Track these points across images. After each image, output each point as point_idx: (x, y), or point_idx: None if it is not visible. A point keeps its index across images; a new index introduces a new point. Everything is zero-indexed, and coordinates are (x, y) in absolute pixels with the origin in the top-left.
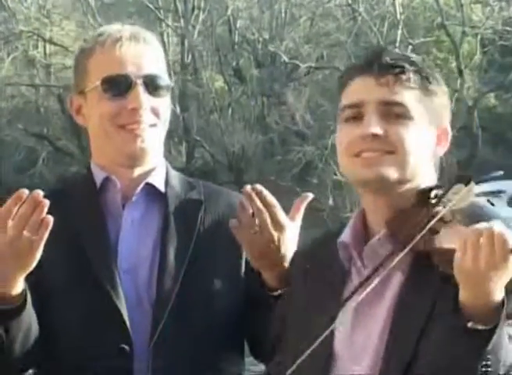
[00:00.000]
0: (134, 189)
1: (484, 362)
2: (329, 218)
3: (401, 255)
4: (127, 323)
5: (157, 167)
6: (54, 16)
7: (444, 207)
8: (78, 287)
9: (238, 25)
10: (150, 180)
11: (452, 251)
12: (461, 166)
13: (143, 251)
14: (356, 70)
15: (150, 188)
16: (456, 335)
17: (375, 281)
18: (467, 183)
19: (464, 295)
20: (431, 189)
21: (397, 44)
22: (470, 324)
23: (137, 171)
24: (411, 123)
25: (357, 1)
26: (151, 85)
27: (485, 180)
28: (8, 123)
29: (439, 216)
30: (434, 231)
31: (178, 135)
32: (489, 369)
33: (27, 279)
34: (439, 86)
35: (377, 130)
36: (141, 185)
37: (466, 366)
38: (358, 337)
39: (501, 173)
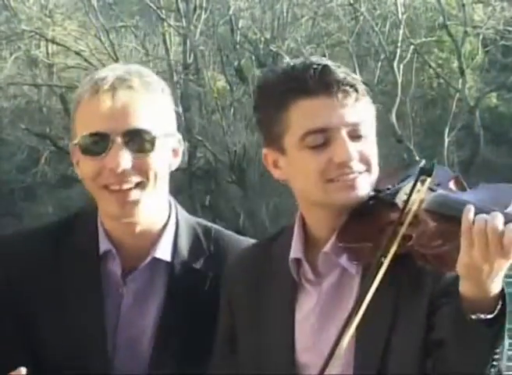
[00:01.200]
0: (138, 258)
1: (496, 350)
2: None
3: (384, 266)
4: None
5: (167, 226)
6: (56, 16)
7: (405, 207)
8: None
9: (240, 25)
10: (156, 254)
11: (444, 250)
12: (464, 166)
13: (143, 324)
14: (301, 90)
15: (155, 260)
16: (462, 330)
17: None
18: (428, 175)
19: (464, 288)
20: (378, 192)
21: (399, 44)
22: (474, 316)
23: (142, 235)
24: (372, 136)
25: (358, 1)
26: (134, 141)
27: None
28: (11, 122)
29: (408, 220)
30: (406, 236)
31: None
32: (497, 356)
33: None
34: (367, 89)
35: (354, 155)
36: (147, 260)
37: (475, 356)
38: (324, 341)
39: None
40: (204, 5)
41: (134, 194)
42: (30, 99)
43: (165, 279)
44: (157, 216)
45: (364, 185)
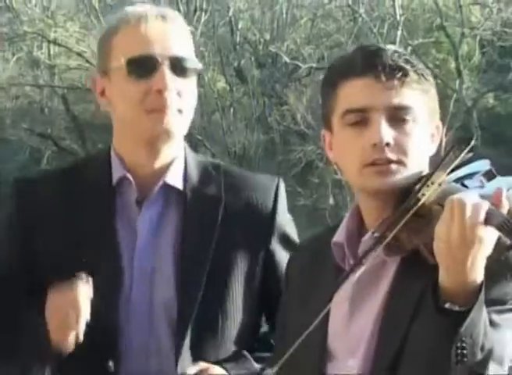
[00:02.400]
0: (151, 185)
1: (459, 344)
2: (330, 216)
3: (382, 245)
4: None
5: (176, 159)
6: (58, 18)
7: (422, 196)
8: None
9: (239, 26)
10: (168, 179)
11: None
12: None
13: (162, 253)
14: (350, 70)
15: (167, 186)
16: (431, 316)
17: (359, 271)
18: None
19: (442, 276)
20: (415, 183)
21: (397, 45)
22: (447, 305)
23: (158, 159)
24: (416, 126)
25: (357, 3)
26: (178, 67)
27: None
28: (13, 122)
29: (415, 208)
30: (415, 228)
31: None
32: (465, 351)
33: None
34: (430, 81)
35: (389, 138)
36: (159, 185)
37: (441, 346)
38: (354, 328)
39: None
40: (204, 6)
41: (175, 120)
42: (32, 100)
43: (178, 206)
44: (176, 147)
45: (397, 174)
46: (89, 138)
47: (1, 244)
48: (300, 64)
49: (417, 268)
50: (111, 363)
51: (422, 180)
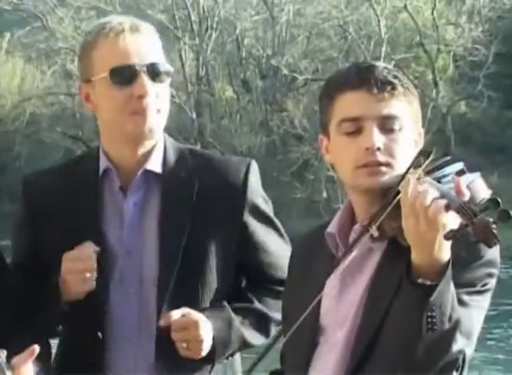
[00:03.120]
0: (134, 173)
1: (429, 313)
2: (324, 209)
3: (368, 233)
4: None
5: (156, 145)
6: None
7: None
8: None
9: (245, 43)
10: (148, 166)
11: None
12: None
13: (146, 233)
14: (346, 84)
15: (148, 172)
16: (406, 290)
17: (350, 257)
18: (425, 159)
19: (414, 256)
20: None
21: (382, 60)
22: (420, 280)
23: (140, 151)
24: (402, 133)
25: (347, 23)
26: (154, 73)
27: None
28: (49, 126)
29: (396, 199)
30: (394, 216)
31: (193, 137)
32: (434, 320)
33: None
34: (414, 94)
35: (380, 144)
36: (139, 172)
37: (412, 316)
38: (344, 303)
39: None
40: (215, 25)
41: (155, 119)
42: (65, 107)
43: (159, 190)
44: (156, 138)
45: (386, 174)
46: None
47: (14, 234)
48: (298, 76)
49: (400, 252)
50: (99, 334)
51: (403, 176)
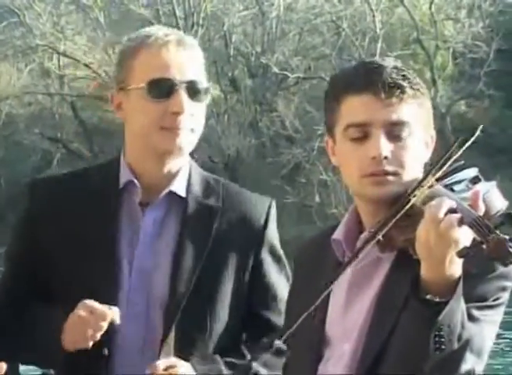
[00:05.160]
0: (157, 192)
1: (437, 332)
2: (317, 214)
3: (374, 240)
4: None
5: (182, 168)
6: (67, 32)
7: (413, 197)
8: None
9: (233, 39)
10: (173, 187)
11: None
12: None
13: (161, 253)
14: (353, 86)
15: (171, 194)
16: (414, 306)
17: (355, 264)
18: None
19: (423, 270)
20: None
21: (377, 57)
22: (428, 296)
23: (166, 169)
24: (412, 139)
25: (340, 18)
26: (192, 90)
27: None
28: (26, 127)
29: (406, 207)
30: (404, 227)
31: None
32: (442, 339)
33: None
34: (425, 94)
35: (387, 152)
36: (165, 191)
37: (419, 334)
38: (350, 315)
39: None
40: (201, 21)
41: (187, 138)
42: (44, 107)
43: (179, 213)
44: (183, 160)
45: (393, 184)
46: (95, 142)
47: (14, 241)
48: (289, 74)
49: (409, 264)
50: (105, 350)
51: (414, 183)
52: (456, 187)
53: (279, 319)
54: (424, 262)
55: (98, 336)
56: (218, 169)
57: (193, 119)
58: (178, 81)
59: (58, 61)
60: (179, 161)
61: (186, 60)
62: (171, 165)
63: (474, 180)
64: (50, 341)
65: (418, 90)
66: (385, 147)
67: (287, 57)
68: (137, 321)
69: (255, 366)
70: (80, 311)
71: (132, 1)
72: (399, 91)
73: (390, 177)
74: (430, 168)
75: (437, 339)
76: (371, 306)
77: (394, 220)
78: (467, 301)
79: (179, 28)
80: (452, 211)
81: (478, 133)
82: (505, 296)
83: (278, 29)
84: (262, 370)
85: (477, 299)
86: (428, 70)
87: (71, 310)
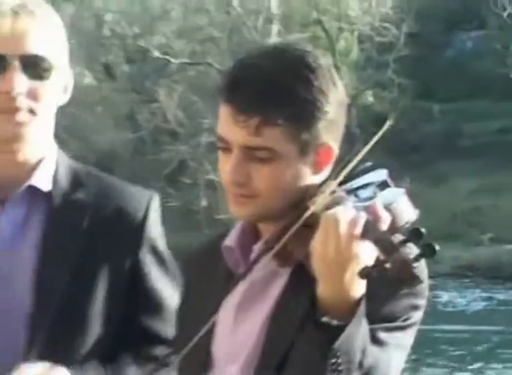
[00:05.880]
0: (14, 186)
1: (334, 360)
2: (204, 220)
3: (270, 254)
4: None
5: (44, 159)
6: None
7: (312, 204)
8: None
9: (107, 19)
10: (33, 181)
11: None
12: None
13: (24, 257)
14: (222, 92)
15: (33, 188)
16: (310, 329)
17: (249, 279)
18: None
19: (320, 289)
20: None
21: (273, 40)
22: (325, 319)
23: (17, 158)
24: (277, 163)
25: None
26: (30, 65)
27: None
28: None
29: (304, 216)
30: (302, 238)
31: None
32: (340, 367)
33: None
34: (320, 107)
35: (239, 178)
36: (24, 186)
37: (314, 361)
38: (240, 334)
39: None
40: None
41: (24, 116)
42: None
43: (44, 210)
44: (39, 148)
45: (253, 206)
46: None
47: None
48: (171, 59)
49: (308, 279)
50: None
51: (312, 190)
52: (361, 194)
53: (162, 328)
54: (322, 280)
55: None
56: None
57: (33, 100)
58: (10, 56)
59: None
60: (35, 151)
61: (24, 30)
62: (23, 154)
63: (382, 186)
64: None
65: (303, 108)
66: (239, 172)
67: (170, 39)
68: None
69: None
70: None
71: None
72: (260, 116)
73: (245, 199)
74: (332, 170)
75: (334, 367)
76: (263, 325)
77: (291, 231)
78: (372, 322)
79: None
80: (353, 222)
81: (386, 127)
82: (416, 316)
83: (159, 6)
84: None
85: (384, 320)
86: (330, 56)
87: None
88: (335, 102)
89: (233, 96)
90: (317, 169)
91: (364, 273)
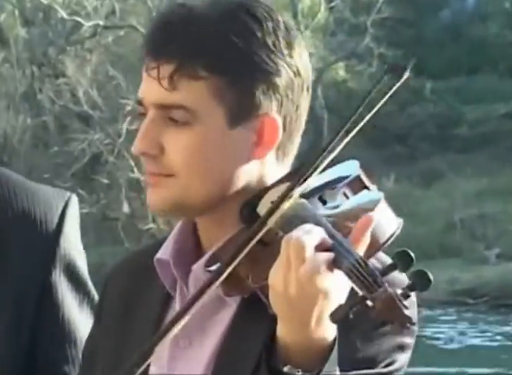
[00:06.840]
0: None
1: None
2: (124, 229)
3: (217, 282)
4: None
5: None
6: None
7: (268, 216)
8: None
9: None
10: None
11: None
12: (304, 158)
13: None
14: (144, 47)
15: None
16: None
17: (193, 309)
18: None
19: (281, 329)
20: (248, 203)
21: None
22: (286, 369)
23: None
24: (198, 129)
25: None
26: None
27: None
28: None
29: (259, 236)
30: (256, 261)
31: None
32: None
33: None
34: (260, 64)
35: (147, 147)
36: None
37: None
38: (176, 373)
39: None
40: None
41: None
42: None
43: None
44: None
45: (168, 188)
46: None
47: None
48: (83, 21)
49: (263, 311)
50: None
51: (268, 192)
52: (329, 197)
53: (73, 370)
54: (282, 321)
55: None
56: None
57: None
58: None
59: None
60: None
61: None
62: None
63: (356, 185)
64: None
65: (235, 60)
66: (148, 140)
67: None
68: None
69: None
70: None
71: None
72: (174, 59)
73: (160, 179)
74: (291, 170)
75: None
76: (207, 367)
77: (243, 253)
78: (346, 368)
79: None
80: (322, 247)
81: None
82: (403, 358)
83: None
84: None
85: (361, 365)
86: (289, 18)
87: None
88: (287, 68)
89: (149, 40)
90: (257, 150)
91: (338, 316)
